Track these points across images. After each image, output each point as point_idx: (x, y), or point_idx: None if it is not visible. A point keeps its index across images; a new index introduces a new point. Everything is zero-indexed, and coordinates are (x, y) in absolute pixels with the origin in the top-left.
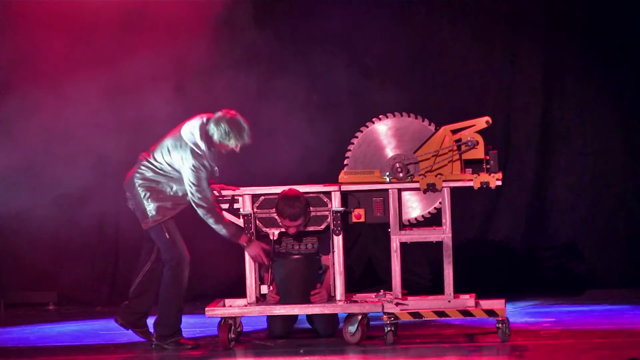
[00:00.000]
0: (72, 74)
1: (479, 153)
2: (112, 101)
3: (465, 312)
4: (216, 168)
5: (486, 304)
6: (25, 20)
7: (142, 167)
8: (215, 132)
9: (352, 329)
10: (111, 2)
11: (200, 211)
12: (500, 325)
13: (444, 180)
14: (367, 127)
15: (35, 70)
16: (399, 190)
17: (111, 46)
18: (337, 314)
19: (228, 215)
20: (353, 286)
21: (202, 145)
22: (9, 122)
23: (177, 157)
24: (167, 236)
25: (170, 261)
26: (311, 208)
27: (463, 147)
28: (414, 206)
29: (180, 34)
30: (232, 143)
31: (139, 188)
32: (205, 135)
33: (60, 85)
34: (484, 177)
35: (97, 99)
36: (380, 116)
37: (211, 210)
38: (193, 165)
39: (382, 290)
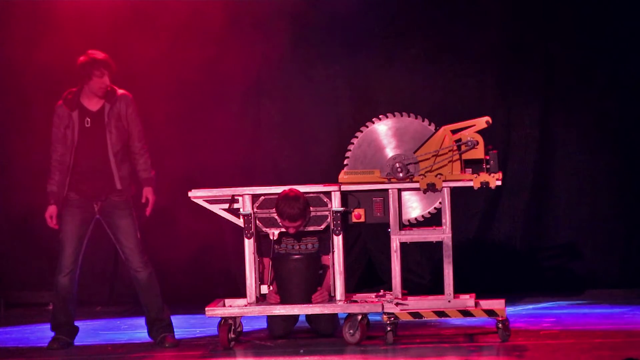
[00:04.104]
0: None
1: (479, 153)
2: None
3: (465, 312)
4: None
5: (486, 304)
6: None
7: None
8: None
9: (352, 329)
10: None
11: None
12: (500, 325)
13: (444, 180)
14: (367, 127)
15: None
16: (399, 190)
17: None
18: (337, 314)
19: (226, 215)
20: (353, 286)
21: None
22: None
23: None
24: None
25: None
26: (311, 208)
27: (463, 147)
28: (414, 206)
29: (181, 32)
30: (91, 69)
31: None
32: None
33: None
34: (484, 177)
35: None
36: (380, 116)
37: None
38: None
39: (382, 290)
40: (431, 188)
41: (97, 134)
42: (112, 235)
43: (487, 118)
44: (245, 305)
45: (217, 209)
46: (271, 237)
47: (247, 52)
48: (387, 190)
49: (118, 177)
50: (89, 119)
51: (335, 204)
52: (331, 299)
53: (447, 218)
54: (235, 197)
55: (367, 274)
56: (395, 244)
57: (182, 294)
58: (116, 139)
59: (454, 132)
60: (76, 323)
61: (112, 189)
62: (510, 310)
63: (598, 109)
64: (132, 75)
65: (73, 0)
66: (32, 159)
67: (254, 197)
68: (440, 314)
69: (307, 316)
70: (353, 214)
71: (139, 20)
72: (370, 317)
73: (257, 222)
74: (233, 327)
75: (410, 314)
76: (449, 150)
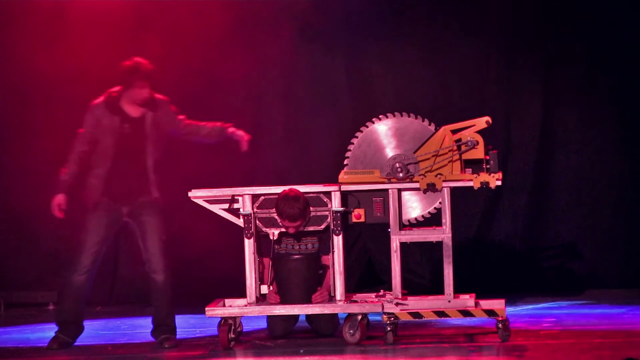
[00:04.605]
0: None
1: (479, 153)
2: None
3: (465, 312)
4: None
5: (486, 304)
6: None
7: None
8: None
9: (352, 329)
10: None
11: None
12: (500, 325)
13: (444, 180)
14: (367, 127)
15: None
16: (399, 190)
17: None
18: (337, 314)
19: (226, 215)
20: (353, 286)
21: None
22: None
23: None
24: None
25: None
26: (311, 208)
27: (463, 147)
28: (414, 206)
29: (182, 33)
30: (132, 78)
31: None
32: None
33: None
34: (484, 177)
35: None
36: (380, 116)
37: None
38: None
39: (382, 290)
40: (431, 188)
41: (135, 140)
42: (138, 234)
43: (487, 118)
44: (245, 305)
45: (217, 209)
46: (271, 237)
47: (247, 52)
48: (387, 190)
49: (155, 184)
50: (128, 125)
51: (335, 204)
52: (331, 299)
53: (447, 218)
54: (235, 197)
55: (367, 274)
56: (395, 244)
57: (182, 293)
58: (155, 146)
59: (454, 132)
60: None
61: (144, 194)
62: (510, 310)
63: (598, 109)
64: None
65: (73, 2)
66: (31, 159)
67: (254, 197)
68: (440, 314)
69: (307, 316)
70: (353, 214)
71: (139, 21)
72: (370, 317)
73: (257, 222)
74: (233, 327)
75: (410, 314)
76: (449, 150)
